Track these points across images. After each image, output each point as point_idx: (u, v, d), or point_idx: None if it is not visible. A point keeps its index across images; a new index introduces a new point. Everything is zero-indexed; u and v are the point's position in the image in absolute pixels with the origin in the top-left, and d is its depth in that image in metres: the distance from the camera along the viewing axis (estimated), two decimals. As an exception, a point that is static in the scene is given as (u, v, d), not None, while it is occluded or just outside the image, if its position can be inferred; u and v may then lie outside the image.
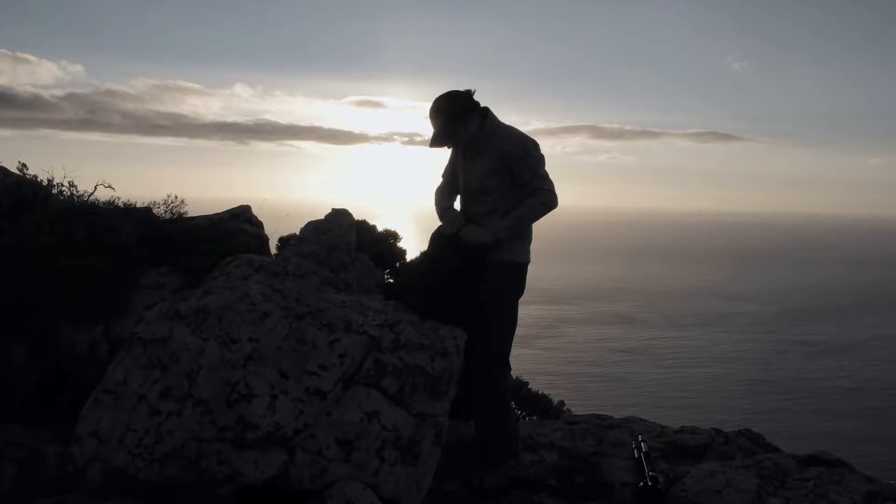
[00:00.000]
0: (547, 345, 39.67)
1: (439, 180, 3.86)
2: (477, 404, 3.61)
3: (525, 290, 3.62)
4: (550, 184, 3.52)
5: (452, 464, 3.67)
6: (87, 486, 2.79)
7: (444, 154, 3.84)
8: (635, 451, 3.50)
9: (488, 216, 3.53)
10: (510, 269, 3.56)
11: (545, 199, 3.50)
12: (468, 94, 3.54)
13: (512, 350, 3.64)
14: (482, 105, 3.58)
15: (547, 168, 3.57)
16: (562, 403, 6.58)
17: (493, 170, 3.50)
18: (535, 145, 3.53)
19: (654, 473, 3.43)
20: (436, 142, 3.57)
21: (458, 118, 3.52)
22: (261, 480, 2.80)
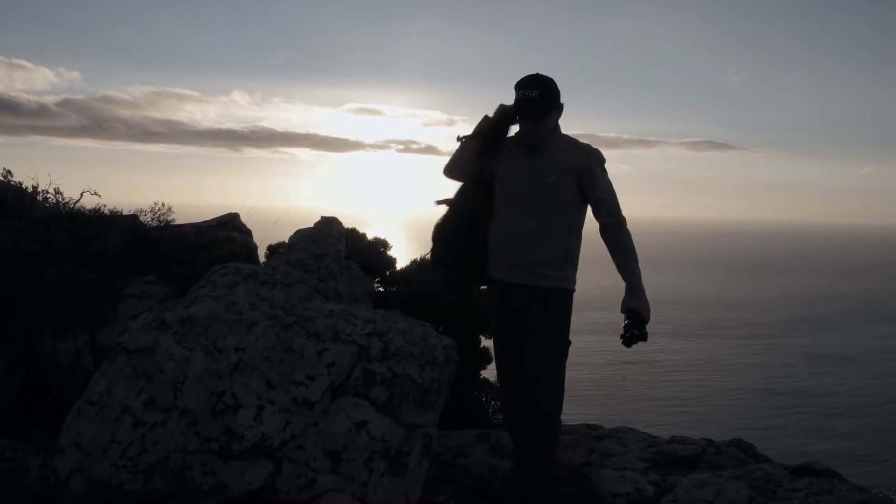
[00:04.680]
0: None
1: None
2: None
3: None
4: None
5: (442, 475, 3.64)
6: (70, 499, 2.74)
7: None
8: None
9: (552, 237, 3.08)
10: (566, 301, 3.14)
11: (628, 231, 3.16)
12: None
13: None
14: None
15: None
16: (552, 413, 6.57)
17: (563, 180, 3.08)
18: (604, 159, 3.16)
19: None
20: (531, 116, 3.04)
21: (553, 104, 3.12)
22: (247, 492, 2.76)
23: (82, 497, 2.71)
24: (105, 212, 4.92)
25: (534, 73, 3.12)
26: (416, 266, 6.29)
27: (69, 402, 2.99)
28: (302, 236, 5.01)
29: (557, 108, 3.15)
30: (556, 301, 3.08)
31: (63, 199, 4.96)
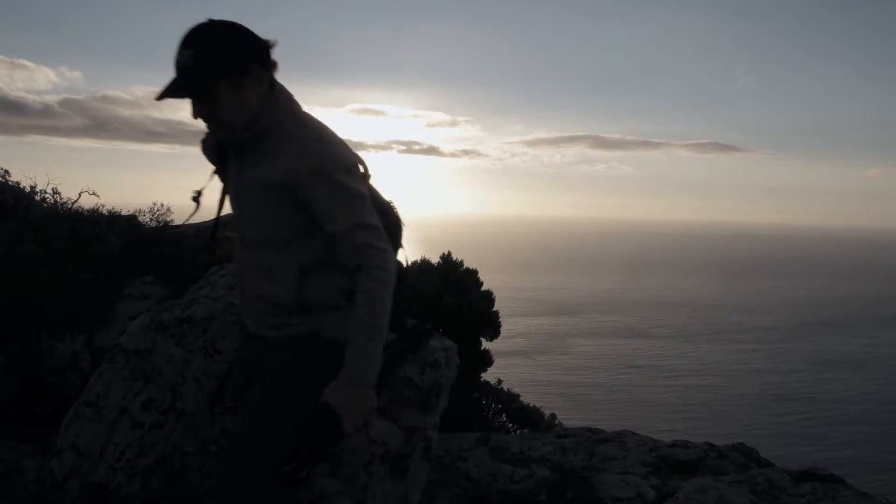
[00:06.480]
0: (542, 357, 39.44)
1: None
2: None
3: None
4: (381, 236, 1.86)
5: (442, 478, 3.61)
6: (66, 501, 2.72)
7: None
8: None
9: (278, 277, 1.94)
10: (306, 356, 1.98)
11: (384, 275, 1.82)
12: (258, 40, 1.84)
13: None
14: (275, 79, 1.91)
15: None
16: (553, 417, 6.54)
17: (274, 200, 1.89)
18: (350, 162, 1.91)
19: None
20: (173, 92, 1.78)
21: (226, 67, 1.79)
22: (244, 496, 2.74)
23: (78, 499, 2.69)
24: (103, 212, 4.92)
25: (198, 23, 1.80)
26: (416, 268, 6.27)
27: (67, 403, 2.97)
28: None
29: (240, 73, 1.81)
30: (285, 361, 1.95)
31: (61, 199, 4.96)
